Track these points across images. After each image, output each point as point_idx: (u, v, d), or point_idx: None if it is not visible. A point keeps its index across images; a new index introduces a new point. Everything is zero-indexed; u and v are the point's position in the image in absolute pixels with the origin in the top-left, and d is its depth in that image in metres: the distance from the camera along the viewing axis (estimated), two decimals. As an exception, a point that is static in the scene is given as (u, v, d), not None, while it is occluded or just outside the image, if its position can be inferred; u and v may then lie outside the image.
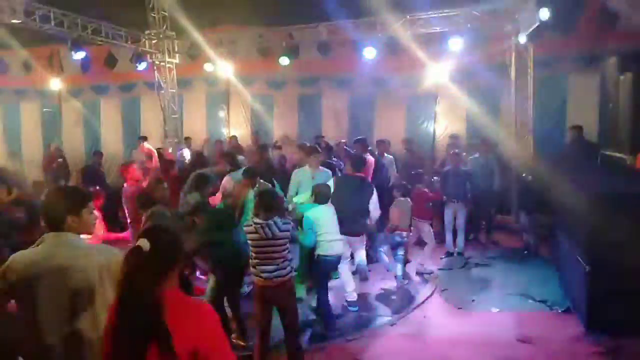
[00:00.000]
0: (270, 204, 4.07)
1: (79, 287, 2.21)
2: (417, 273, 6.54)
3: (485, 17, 8.85)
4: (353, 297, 5.56)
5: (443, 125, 10.62)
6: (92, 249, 2.40)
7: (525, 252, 7.23)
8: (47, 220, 2.38)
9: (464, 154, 8.13)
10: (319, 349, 4.60)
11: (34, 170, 10.51)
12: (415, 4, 9.31)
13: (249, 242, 4.02)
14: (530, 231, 7.31)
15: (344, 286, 5.62)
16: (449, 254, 7.26)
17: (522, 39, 8.23)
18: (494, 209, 8.26)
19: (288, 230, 4.01)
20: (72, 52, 9.32)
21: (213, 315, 1.91)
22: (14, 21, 8.01)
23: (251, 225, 3.99)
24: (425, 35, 9.42)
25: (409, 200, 6.27)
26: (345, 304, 5.55)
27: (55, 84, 11.65)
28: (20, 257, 2.31)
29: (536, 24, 7.43)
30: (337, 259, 5.11)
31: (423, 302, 5.72)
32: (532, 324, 4.93)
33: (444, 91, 10.27)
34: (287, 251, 4.00)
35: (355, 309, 5.47)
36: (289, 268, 4.00)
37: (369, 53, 9.78)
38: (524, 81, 8.96)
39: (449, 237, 7.36)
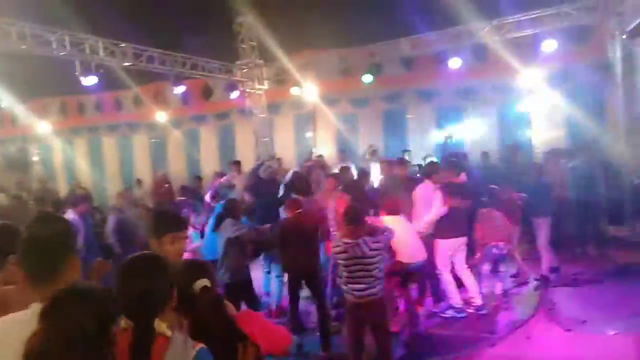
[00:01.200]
0: (356, 220, 4.07)
1: None
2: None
3: (581, 14, 8.24)
4: (458, 303, 5.52)
5: (540, 132, 9.96)
6: None
7: (645, 267, 6.46)
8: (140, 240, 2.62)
9: (562, 160, 7.53)
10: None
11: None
12: (502, 8, 8.94)
13: (338, 261, 4.05)
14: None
15: (449, 295, 5.57)
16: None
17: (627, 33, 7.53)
18: (604, 220, 7.51)
19: (378, 250, 3.96)
20: (174, 87, 10.26)
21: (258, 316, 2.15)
22: (125, 64, 9.03)
23: (340, 245, 4.02)
24: (515, 40, 8.98)
25: (494, 211, 5.95)
26: (452, 312, 5.50)
27: (161, 116, 12.84)
28: None
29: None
30: (415, 267, 5.16)
31: (526, 321, 5.34)
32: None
33: (539, 96, 9.67)
34: (377, 270, 3.93)
35: (463, 315, 5.45)
36: (379, 287, 3.95)
37: (455, 63, 9.52)
38: (632, 78, 8.13)
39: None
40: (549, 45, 8.62)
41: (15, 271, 1.91)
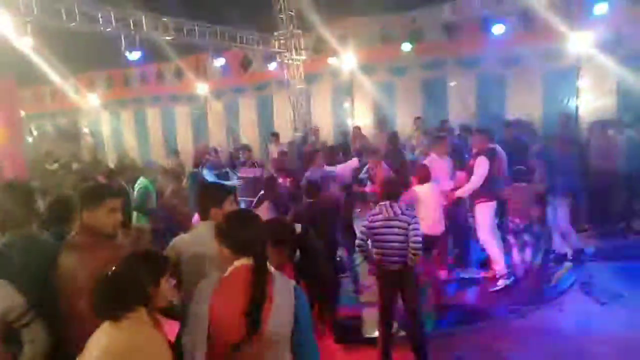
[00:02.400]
0: (393, 192, 4.16)
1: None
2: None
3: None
4: (502, 271, 5.62)
5: (587, 101, 9.52)
6: None
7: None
8: (198, 211, 2.89)
9: (610, 131, 7.22)
10: (442, 336, 4.58)
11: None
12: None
13: (373, 225, 4.11)
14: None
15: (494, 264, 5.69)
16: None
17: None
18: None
19: (410, 217, 3.99)
20: (213, 59, 10.44)
21: None
22: (167, 38, 9.25)
23: (376, 209, 4.15)
24: (564, 2, 8.52)
25: (524, 185, 5.78)
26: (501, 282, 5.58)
27: (202, 88, 13.13)
28: (180, 240, 2.81)
29: None
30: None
31: (560, 294, 5.31)
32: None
33: (588, 62, 9.20)
34: (410, 240, 3.91)
35: (510, 279, 5.58)
36: (410, 256, 4.02)
37: (498, 29, 9.16)
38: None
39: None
40: (601, 7, 8.13)
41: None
